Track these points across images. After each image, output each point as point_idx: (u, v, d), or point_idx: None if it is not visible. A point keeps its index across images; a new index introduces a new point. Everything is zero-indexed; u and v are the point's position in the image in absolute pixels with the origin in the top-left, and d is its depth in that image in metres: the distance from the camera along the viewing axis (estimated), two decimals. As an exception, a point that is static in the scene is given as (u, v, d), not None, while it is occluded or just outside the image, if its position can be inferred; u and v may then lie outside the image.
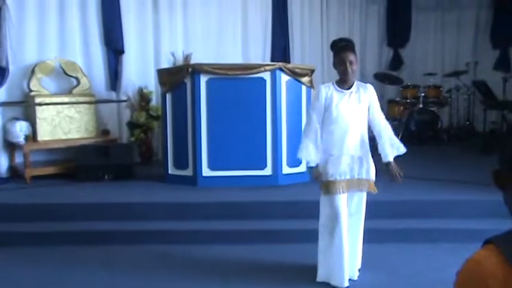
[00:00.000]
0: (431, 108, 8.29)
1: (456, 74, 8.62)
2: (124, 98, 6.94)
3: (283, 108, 5.34)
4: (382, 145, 3.48)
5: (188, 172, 5.43)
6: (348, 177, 3.38)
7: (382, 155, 3.47)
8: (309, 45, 8.78)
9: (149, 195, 5.07)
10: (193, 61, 6.82)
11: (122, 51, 6.91)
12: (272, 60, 7.81)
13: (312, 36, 8.80)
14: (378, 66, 9.57)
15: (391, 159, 3.45)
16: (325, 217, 3.42)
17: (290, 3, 8.48)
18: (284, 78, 5.35)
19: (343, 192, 3.36)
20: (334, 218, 3.36)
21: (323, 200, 3.43)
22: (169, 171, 5.64)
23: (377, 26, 9.62)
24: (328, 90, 3.40)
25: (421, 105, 8.19)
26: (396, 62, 9.64)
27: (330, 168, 3.37)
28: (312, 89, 5.62)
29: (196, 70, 5.30)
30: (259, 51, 8.13)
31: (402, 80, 8.82)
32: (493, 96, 7.37)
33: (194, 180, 5.35)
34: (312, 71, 5.66)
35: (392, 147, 3.47)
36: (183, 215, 4.67)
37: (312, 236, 3.64)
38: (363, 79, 9.44)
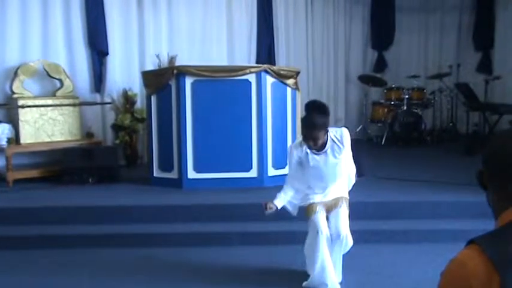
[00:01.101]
0: (415, 110, 8.37)
1: (439, 76, 8.72)
2: (108, 100, 6.89)
3: (269, 110, 5.35)
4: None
5: (173, 174, 5.41)
6: (324, 200, 3.48)
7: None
8: (294, 47, 8.81)
9: (134, 198, 5.04)
10: (178, 63, 6.80)
11: (106, 53, 6.86)
12: (257, 62, 7.82)
13: (297, 38, 8.84)
14: (362, 68, 9.64)
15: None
16: (309, 237, 3.48)
17: (275, 4, 8.51)
18: (269, 80, 5.36)
19: (321, 211, 3.43)
20: (317, 235, 3.38)
21: (308, 222, 3.50)
22: (155, 174, 5.61)
23: (361, 28, 9.70)
24: (301, 153, 3.42)
25: (405, 107, 8.27)
26: (380, 64, 9.73)
27: (302, 199, 3.55)
28: (297, 91, 5.64)
29: (181, 72, 5.28)
30: (244, 53, 8.14)
31: (386, 82, 8.90)
32: (475, 98, 7.46)
33: (179, 182, 5.34)
34: (297, 73, 5.68)
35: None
36: (169, 218, 4.65)
37: (297, 238, 3.65)
38: (348, 81, 9.53)
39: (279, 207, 3.50)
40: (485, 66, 9.40)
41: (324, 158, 3.38)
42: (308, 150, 3.38)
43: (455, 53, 9.77)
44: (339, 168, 3.43)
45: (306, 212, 3.50)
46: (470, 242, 1.15)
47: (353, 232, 3.48)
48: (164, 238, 4.40)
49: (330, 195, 3.50)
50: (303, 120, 3.37)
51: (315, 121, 3.26)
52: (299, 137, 3.55)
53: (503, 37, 9.02)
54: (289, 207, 3.59)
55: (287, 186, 3.54)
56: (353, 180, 3.61)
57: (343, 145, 3.37)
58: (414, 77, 8.81)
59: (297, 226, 3.89)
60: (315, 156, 3.39)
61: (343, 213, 3.46)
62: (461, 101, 8.26)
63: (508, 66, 8.68)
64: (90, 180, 5.76)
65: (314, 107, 3.31)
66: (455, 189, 5.02)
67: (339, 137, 3.39)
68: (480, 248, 1.11)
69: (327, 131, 3.34)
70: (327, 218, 3.46)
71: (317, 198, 3.49)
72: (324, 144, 3.35)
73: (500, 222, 1.19)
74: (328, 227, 3.41)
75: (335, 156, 3.38)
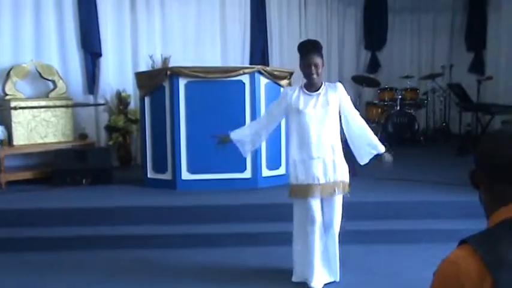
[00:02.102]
0: (408, 111, 8.40)
1: (432, 76, 8.77)
2: (102, 101, 6.87)
3: (262, 111, 5.33)
4: (359, 147, 3.46)
5: (167, 176, 5.40)
6: (322, 181, 3.32)
7: (360, 155, 3.47)
8: (287, 48, 8.82)
9: (128, 200, 5.03)
10: (171, 64, 6.79)
11: (99, 54, 6.84)
12: (251, 63, 7.83)
13: (290, 39, 8.85)
14: (355, 69, 9.67)
15: (381, 149, 3.45)
16: (300, 221, 3.41)
17: (268, 6, 8.52)
18: (263, 81, 5.37)
19: (317, 197, 3.32)
20: (310, 222, 3.34)
21: (296, 204, 3.42)
22: (148, 175, 5.60)
23: (354, 29, 9.73)
24: (293, 93, 3.37)
25: (398, 108, 8.30)
26: (373, 65, 9.76)
27: (300, 172, 3.34)
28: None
29: (174, 73, 5.28)
30: (238, 54, 8.14)
31: (379, 82, 8.93)
32: (468, 99, 7.50)
33: (173, 184, 5.33)
34: (291, 74, 5.69)
35: (371, 147, 3.46)
36: (163, 219, 4.64)
37: (291, 239, 3.64)
38: (341, 82, 9.51)
39: (234, 139, 3.49)
40: (477, 67, 9.45)
41: (316, 100, 3.32)
42: (302, 92, 3.34)
43: (447, 53, 9.83)
44: (330, 117, 3.31)
45: (297, 191, 3.34)
46: (462, 242, 1.16)
47: (350, 232, 3.49)
48: (159, 240, 4.39)
49: (320, 153, 3.30)
50: (300, 47, 3.38)
51: (313, 46, 3.31)
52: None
53: (495, 37, 9.07)
54: (242, 144, 3.54)
55: (252, 122, 3.48)
56: (363, 122, 3.48)
57: (335, 91, 3.35)
58: (407, 77, 8.85)
59: (292, 226, 3.89)
60: (307, 98, 3.33)
61: (338, 204, 3.39)
62: (454, 102, 8.30)
63: (500, 66, 8.73)
64: (83, 181, 5.73)
65: (308, 41, 3.44)
66: (450, 190, 5.04)
67: (333, 86, 3.41)
68: (472, 247, 1.12)
69: (323, 67, 3.32)
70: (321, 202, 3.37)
71: (315, 167, 3.29)
72: (319, 87, 3.35)
73: (492, 221, 1.20)
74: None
75: (327, 102, 3.31)
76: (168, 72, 5.32)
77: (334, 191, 3.35)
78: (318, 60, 3.28)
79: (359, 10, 9.76)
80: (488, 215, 1.24)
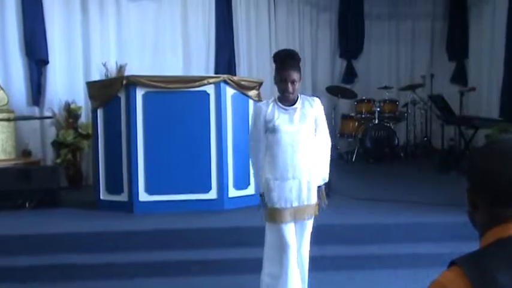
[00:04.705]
0: (387, 124, 8.56)
1: (412, 87, 8.97)
2: (48, 114, 6.78)
3: (229, 124, 5.37)
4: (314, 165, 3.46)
5: (123, 197, 5.35)
6: (295, 204, 3.33)
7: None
8: (256, 55, 8.90)
9: (78, 225, 4.95)
10: (127, 73, 6.76)
11: (45, 62, 6.77)
12: (216, 72, 7.87)
13: (259, 46, 8.93)
14: (330, 78, 9.82)
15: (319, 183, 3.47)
16: (272, 246, 3.41)
17: (235, 9, 8.59)
18: (229, 91, 5.39)
19: (290, 221, 3.34)
20: (283, 248, 3.34)
21: (269, 228, 3.42)
22: (102, 197, 5.54)
23: (329, 36, 9.90)
24: (267, 108, 3.37)
25: (376, 121, 8.45)
26: (349, 75, 9.93)
27: (275, 195, 3.34)
28: (260, 104, 5.68)
29: (131, 83, 5.25)
30: (201, 63, 8.17)
31: (356, 93, 9.08)
32: (450, 111, 7.71)
33: (130, 206, 5.27)
34: (260, 84, 5.73)
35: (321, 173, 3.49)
36: (118, 246, 4.57)
37: (260, 266, 3.63)
38: (315, 93, 9.65)
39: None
40: (459, 77, 9.74)
41: (292, 115, 3.32)
42: (277, 107, 3.34)
43: (428, 62, 10.10)
44: (307, 133, 3.33)
45: (270, 215, 3.35)
46: (452, 263, 1.19)
47: (323, 258, 3.51)
48: (113, 269, 4.31)
49: (296, 173, 3.31)
50: (277, 58, 3.38)
51: (290, 58, 3.32)
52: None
53: (477, 46, 9.38)
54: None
55: (257, 157, 3.41)
56: (327, 148, 3.48)
57: (312, 106, 3.37)
58: (386, 88, 9.03)
59: (262, 252, 3.88)
60: (283, 113, 3.33)
61: (308, 230, 3.42)
62: (436, 114, 8.52)
63: (482, 76, 9.01)
64: (27, 205, 5.62)
65: (285, 52, 3.43)
66: (432, 210, 5.14)
67: (311, 100, 3.42)
68: (462, 269, 1.15)
69: (300, 82, 3.34)
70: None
71: (288, 189, 3.30)
72: (295, 101, 3.36)
73: (484, 242, 1.24)
74: None
75: (305, 117, 3.33)
76: (124, 82, 5.29)
77: (307, 214, 3.38)
78: (295, 76, 3.29)
79: (333, 16, 9.94)
80: (480, 236, 1.27)
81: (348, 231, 4.72)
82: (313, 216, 3.44)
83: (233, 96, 5.43)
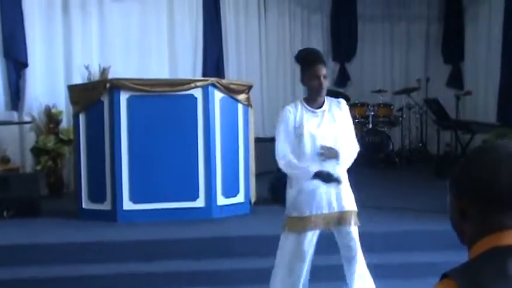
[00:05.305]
0: (382, 129, 8.61)
1: (407, 91, 9.03)
2: (28, 119, 6.74)
3: (217, 129, 5.36)
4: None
5: (106, 206, 5.32)
6: (325, 211, 3.32)
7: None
8: (245, 58, 8.91)
9: (59, 235, 4.92)
10: (111, 75, 6.73)
11: (24, 64, 6.73)
12: (204, 75, 7.86)
13: (248, 48, 8.95)
14: (322, 82, 9.83)
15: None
16: (286, 254, 3.38)
17: (224, 11, 8.61)
18: (218, 95, 5.39)
19: (316, 228, 3.33)
20: (299, 257, 3.32)
21: (287, 236, 3.38)
22: (83, 206, 5.50)
23: (321, 38, 9.95)
24: (295, 112, 3.34)
25: (370, 126, 8.49)
26: (342, 78, 9.99)
27: (303, 202, 3.31)
28: (249, 108, 5.69)
29: (115, 86, 5.23)
30: (188, 65, 8.17)
31: (349, 97, 9.11)
32: (446, 116, 7.76)
33: (113, 215, 5.24)
34: (250, 88, 5.74)
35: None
36: (101, 257, 4.53)
37: (256, 277, 3.63)
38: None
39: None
40: (455, 81, 9.83)
41: (321, 118, 3.32)
42: (305, 110, 3.32)
43: (423, 65, 10.18)
44: (337, 136, 3.32)
45: (292, 223, 3.33)
46: (444, 276, 1.20)
47: (318, 268, 3.49)
48: (95, 281, 4.28)
49: (332, 195, 3.28)
50: (303, 57, 3.37)
51: (317, 54, 3.34)
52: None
53: (473, 49, 9.47)
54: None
55: (288, 155, 3.30)
56: (353, 154, 3.40)
57: (341, 109, 3.38)
58: (380, 91, 9.08)
59: (254, 263, 3.88)
60: (312, 116, 3.31)
61: (351, 237, 3.38)
62: (432, 119, 8.58)
63: (479, 80, 9.09)
64: (5, 214, 5.58)
65: (310, 50, 3.47)
66: (428, 218, 5.15)
67: (337, 102, 3.42)
68: (455, 282, 1.16)
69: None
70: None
71: (319, 196, 3.28)
72: (322, 103, 3.36)
73: (474, 252, 1.24)
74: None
75: (334, 119, 3.33)
76: (107, 85, 5.27)
77: (342, 222, 3.36)
78: (325, 70, 3.32)
79: (325, 17, 10.00)
80: (469, 246, 1.27)
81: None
82: (353, 224, 3.39)
83: (222, 100, 5.42)
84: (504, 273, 1.14)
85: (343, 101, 3.46)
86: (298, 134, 3.31)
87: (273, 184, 6.14)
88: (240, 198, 5.51)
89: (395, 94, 9.42)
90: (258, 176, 5.97)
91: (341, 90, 9.59)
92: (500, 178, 1.22)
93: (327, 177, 3.27)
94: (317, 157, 3.27)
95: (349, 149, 3.37)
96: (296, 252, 3.35)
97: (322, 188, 3.29)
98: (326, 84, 3.32)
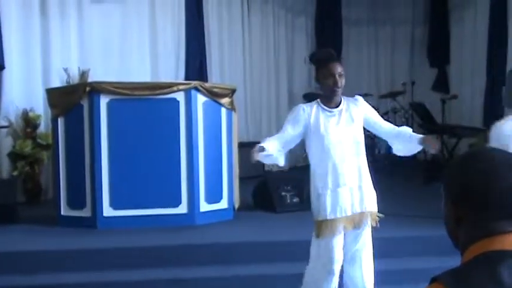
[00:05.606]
0: (367, 133, 8.61)
1: (392, 95, 9.11)
2: (4, 123, 6.69)
3: (200, 134, 5.36)
4: (404, 136, 3.55)
5: (86, 212, 5.30)
6: (349, 213, 3.32)
7: (409, 140, 3.54)
8: (229, 62, 8.93)
9: (37, 242, 4.88)
10: (91, 79, 6.71)
11: (1, 67, 6.68)
12: (186, 79, 7.85)
13: (232, 52, 8.96)
14: (307, 85, 9.91)
15: (419, 135, 3.55)
16: (315, 262, 3.37)
17: (207, 13, 8.62)
18: (200, 99, 5.39)
19: (342, 231, 3.31)
20: (327, 263, 3.30)
21: (315, 242, 3.38)
22: (62, 212, 5.47)
23: (305, 41, 10.00)
24: (310, 111, 3.35)
25: (355, 130, 8.51)
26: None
27: (327, 205, 3.30)
28: (233, 112, 5.69)
29: (95, 89, 5.21)
30: (170, 69, 8.16)
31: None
32: (432, 120, 7.83)
33: (93, 221, 5.22)
34: (233, 91, 5.75)
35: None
36: (80, 265, 4.50)
37: (241, 284, 3.62)
38: (291, 100, 9.74)
39: (270, 151, 3.30)
40: (441, 84, 9.93)
41: (338, 118, 3.33)
42: (321, 109, 3.33)
43: (408, 69, 10.29)
44: (356, 136, 3.35)
45: (325, 228, 3.30)
46: (433, 280, 1.21)
47: (294, 276, 3.48)
48: (74, 290, 4.26)
49: (346, 179, 3.30)
50: (317, 56, 3.42)
51: (331, 53, 3.36)
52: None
53: (458, 52, 9.59)
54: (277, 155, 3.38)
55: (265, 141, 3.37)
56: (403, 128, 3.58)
57: (358, 106, 3.41)
58: (365, 95, 9.10)
59: (238, 270, 3.87)
60: (329, 116, 3.33)
61: (367, 237, 3.40)
62: (418, 123, 8.64)
63: (464, 83, 9.20)
64: (-20, 221, 5.52)
65: (323, 50, 3.54)
66: (416, 223, 5.19)
67: (354, 100, 3.45)
68: (443, 287, 1.17)
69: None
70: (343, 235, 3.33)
71: (341, 197, 3.29)
72: (339, 102, 3.37)
73: (466, 257, 1.25)
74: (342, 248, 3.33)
75: (352, 119, 3.34)
76: (87, 89, 5.25)
77: (362, 222, 3.36)
78: (341, 69, 3.33)
79: (310, 20, 10.05)
80: (461, 250, 1.29)
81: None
82: (367, 225, 3.40)
83: (204, 104, 5.42)
84: (494, 279, 1.15)
85: (359, 98, 3.50)
86: (316, 133, 3.32)
87: (257, 189, 6.15)
88: (223, 204, 5.51)
89: (381, 98, 9.50)
90: (242, 181, 5.97)
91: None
92: (492, 186, 1.25)
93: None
94: (336, 155, 3.29)
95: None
96: (323, 258, 3.33)
97: (343, 188, 3.30)
98: (342, 82, 3.33)
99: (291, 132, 3.40)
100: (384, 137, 3.65)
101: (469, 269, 1.20)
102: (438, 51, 9.96)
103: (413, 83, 9.59)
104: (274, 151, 3.34)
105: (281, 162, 3.47)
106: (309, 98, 9.16)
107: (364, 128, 3.48)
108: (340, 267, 3.35)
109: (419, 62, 10.29)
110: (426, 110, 7.86)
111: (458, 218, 1.30)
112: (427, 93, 9.79)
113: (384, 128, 3.58)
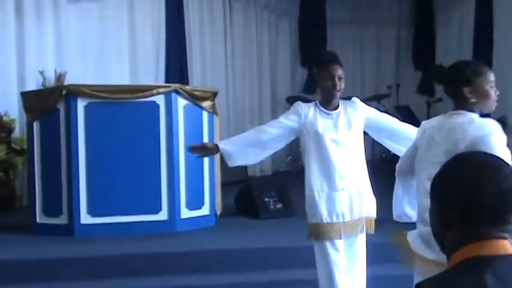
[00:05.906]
0: (366, 136, 8.68)
1: (377, 98, 9.17)
2: (-23, 127, 6.61)
3: (181, 138, 5.35)
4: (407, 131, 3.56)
5: (62, 220, 5.26)
6: (347, 219, 3.32)
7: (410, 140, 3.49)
8: (210, 64, 8.92)
9: (11, 251, 4.82)
10: (68, 81, 6.68)
11: (-26, 69, 6.61)
12: (167, 82, 7.83)
13: (214, 54, 8.96)
14: (290, 88, 9.94)
15: None
16: (319, 271, 3.35)
17: (187, 14, 8.61)
18: (181, 102, 5.38)
19: (340, 237, 3.30)
20: (327, 274, 3.28)
21: (316, 249, 3.36)
22: (38, 220, 5.43)
23: (289, 43, 10.03)
24: (308, 110, 3.36)
25: (340, 134, 8.56)
26: (311, 84, 10.03)
27: (322, 208, 3.30)
28: (215, 116, 5.69)
29: (72, 93, 5.19)
30: (150, 71, 8.14)
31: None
32: (417, 123, 7.88)
33: (70, 229, 5.19)
34: (215, 94, 5.75)
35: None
36: (57, 274, 4.48)
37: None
38: (274, 103, 9.75)
39: (222, 147, 3.33)
40: (426, 87, 10.00)
41: (336, 120, 3.34)
42: (319, 111, 3.34)
43: (393, 71, 10.37)
44: (354, 139, 3.37)
45: (314, 232, 3.32)
46: (417, 287, 1.21)
47: (278, 283, 3.48)
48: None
49: (344, 183, 3.31)
50: (319, 60, 3.43)
51: (333, 55, 3.39)
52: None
53: (444, 55, 9.66)
54: (232, 150, 3.37)
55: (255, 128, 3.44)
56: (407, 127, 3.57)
57: (356, 109, 3.42)
58: (350, 98, 9.17)
59: (220, 278, 3.86)
60: (326, 118, 3.33)
61: (361, 245, 3.39)
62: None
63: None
64: (-49, 230, 5.45)
65: (326, 51, 3.45)
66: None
67: (351, 103, 3.47)
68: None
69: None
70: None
71: (339, 201, 3.30)
72: (337, 105, 3.39)
73: (451, 262, 1.26)
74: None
75: (350, 122, 3.35)
76: (64, 92, 5.23)
77: (360, 228, 3.36)
78: (341, 71, 3.35)
79: (293, 21, 10.09)
80: (448, 254, 1.29)
81: (305, 254, 4.72)
82: (363, 232, 3.39)
83: (185, 108, 5.42)
84: (479, 285, 1.16)
85: (356, 100, 3.52)
86: (312, 134, 3.33)
87: (240, 195, 6.15)
88: (205, 210, 5.50)
89: (366, 101, 9.51)
90: (224, 186, 5.96)
91: (310, 96, 9.64)
92: (479, 191, 1.26)
93: None
94: (334, 158, 3.30)
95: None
96: (324, 267, 3.32)
97: (341, 192, 3.31)
98: (342, 86, 3.35)
99: (284, 122, 3.40)
100: (391, 134, 3.63)
101: (454, 275, 1.21)
102: (423, 53, 10.05)
103: (398, 86, 9.67)
104: (230, 146, 3.39)
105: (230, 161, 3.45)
106: (292, 101, 9.20)
107: (363, 132, 3.49)
108: (343, 279, 3.32)
109: (405, 65, 10.37)
110: (411, 113, 7.93)
111: (446, 222, 1.30)
112: (413, 96, 9.86)
113: (391, 122, 3.62)
